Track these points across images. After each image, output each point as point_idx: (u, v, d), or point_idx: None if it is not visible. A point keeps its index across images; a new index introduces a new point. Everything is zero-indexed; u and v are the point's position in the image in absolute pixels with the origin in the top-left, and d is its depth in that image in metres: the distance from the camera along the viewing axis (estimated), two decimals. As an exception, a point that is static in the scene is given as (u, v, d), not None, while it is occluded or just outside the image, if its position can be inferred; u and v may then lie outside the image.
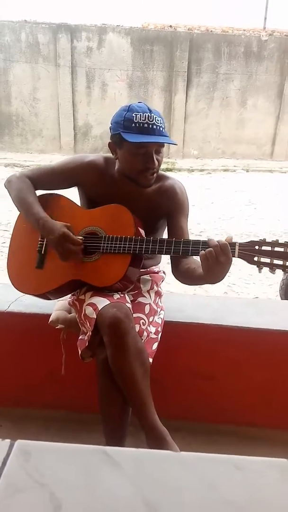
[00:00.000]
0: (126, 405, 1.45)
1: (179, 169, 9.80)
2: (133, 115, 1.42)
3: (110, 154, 1.59)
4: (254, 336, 1.72)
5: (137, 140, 1.41)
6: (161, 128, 1.44)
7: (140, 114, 1.42)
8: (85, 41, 10.49)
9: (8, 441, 0.64)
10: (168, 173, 1.67)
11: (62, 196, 1.65)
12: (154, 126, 1.42)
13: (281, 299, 3.30)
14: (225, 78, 10.94)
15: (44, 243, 1.59)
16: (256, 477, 0.65)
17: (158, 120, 1.43)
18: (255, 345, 1.74)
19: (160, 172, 1.57)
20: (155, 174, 1.51)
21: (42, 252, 1.58)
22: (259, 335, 1.72)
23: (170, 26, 10.99)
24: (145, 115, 1.42)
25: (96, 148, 11.03)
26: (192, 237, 1.60)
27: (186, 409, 1.78)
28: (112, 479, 0.61)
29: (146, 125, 1.41)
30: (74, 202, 1.64)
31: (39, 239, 1.60)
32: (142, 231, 1.54)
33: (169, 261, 1.59)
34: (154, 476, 0.62)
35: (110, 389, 1.43)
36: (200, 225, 5.49)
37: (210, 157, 11.29)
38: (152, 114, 1.42)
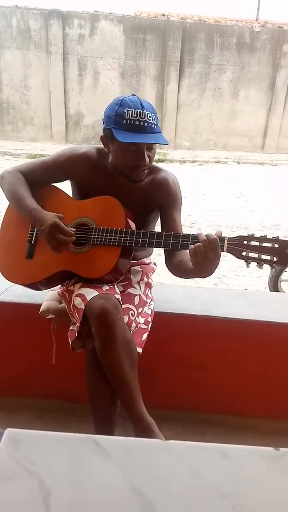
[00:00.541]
0: (115, 395, 1.45)
1: (171, 160, 9.78)
2: (124, 110, 1.39)
3: (102, 146, 1.58)
4: (243, 327, 1.74)
5: (127, 140, 1.39)
6: (153, 125, 1.41)
7: (132, 111, 1.38)
8: (77, 28, 10.35)
9: (-3, 430, 0.65)
10: (160, 165, 1.65)
11: (54, 187, 1.65)
12: (146, 124, 1.39)
13: (270, 291, 3.34)
14: (218, 69, 10.88)
15: (35, 233, 1.59)
16: (243, 465, 0.66)
17: (150, 117, 1.40)
18: (244, 336, 1.76)
19: (153, 164, 1.56)
20: (146, 170, 1.50)
21: (32, 242, 1.58)
22: (248, 326, 1.74)
23: (163, 15, 10.88)
24: (137, 111, 1.38)
25: (88, 137, 10.95)
26: (183, 228, 1.61)
27: (176, 399, 1.80)
28: (101, 467, 0.62)
29: (137, 123, 1.38)
30: (66, 193, 1.63)
31: (30, 229, 1.60)
32: (132, 224, 1.53)
33: (161, 252, 1.60)
34: (142, 464, 0.63)
35: (99, 379, 1.44)
36: (191, 216, 5.50)
37: (202, 148, 11.27)
38: (144, 111, 1.39)
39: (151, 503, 0.59)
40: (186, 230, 1.60)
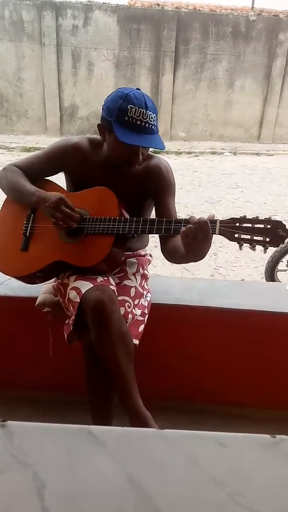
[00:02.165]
0: (112, 387, 1.46)
1: (167, 151, 9.73)
2: (128, 107, 1.35)
3: (95, 136, 1.57)
4: (239, 317, 1.74)
5: (126, 140, 1.37)
6: (153, 127, 1.39)
7: (136, 109, 1.35)
8: (71, 19, 10.25)
9: (-9, 422, 0.64)
10: (155, 155, 1.64)
11: (48, 180, 1.65)
12: (147, 125, 1.37)
13: (266, 281, 3.34)
14: (213, 58, 10.82)
15: (29, 225, 1.58)
16: (239, 452, 0.66)
17: (152, 118, 1.38)
18: (241, 326, 1.76)
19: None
20: (138, 166, 1.50)
21: (27, 234, 1.58)
22: (245, 316, 1.74)
23: (158, 4, 10.79)
24: (141, 111, 1.36)
25: (82, 129, 10.89)
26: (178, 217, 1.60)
27: (172, 389, 1.80)
28: (96, 457, 0.62)
29: (139, 123, 1.36)
30: (60, 186, 1.63)
31: (24, 222, 1.59)
32: (125, 213, 1.53)
33: (157, 244, 1.59)
34: (138, 454, 0.63)
35: (96, 371, 1.44)
36: (187, 208, 5.49)
37: (198, 139, 11.23)
38: (147, 112, 1.36)
39: (147, 492, 0.58)
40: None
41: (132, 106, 1.36)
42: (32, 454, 0.60)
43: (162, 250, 1.58)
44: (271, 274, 3.30)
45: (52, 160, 1.60)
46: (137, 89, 1.43)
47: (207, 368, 1.81)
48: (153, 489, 0.59)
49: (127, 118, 1.36)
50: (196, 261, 1.37)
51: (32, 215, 1.60)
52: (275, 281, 3.28)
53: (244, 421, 1.69)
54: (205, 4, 11.08)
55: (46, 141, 9.87)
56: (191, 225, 1.28)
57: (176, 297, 1.79)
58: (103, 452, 0.63)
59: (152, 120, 1.39)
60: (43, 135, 10.78)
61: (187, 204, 5.62)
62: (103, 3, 10.33)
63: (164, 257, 1.58)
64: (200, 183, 7.03)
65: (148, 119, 1.37)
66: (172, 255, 1.51)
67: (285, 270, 3.27)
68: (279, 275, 3.33)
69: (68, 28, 10.30)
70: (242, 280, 3.67)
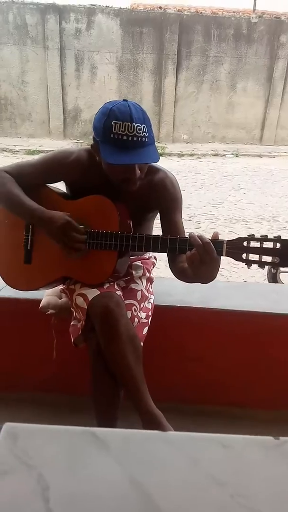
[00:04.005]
0: (118, 389, 1.46)
1: (169, 153, 9.76)
2: (112, 123, 1.27)
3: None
4: (242, 318, 1.74)
5: (112, 161, 1.29)
6: (143, 138, 1.28)
7: (120, 124, 1.26)
8: (74, 22, 10.29)
9: (-4, 424, 0.65)
10: (158, 162, 1.55)
11: (45, 186, 1.58)
12: (135, 138, 1.27)
13: (269, 282, 3.34)
14: (215, 61, 10.84)
15: (30, 237, 1.54)
16: (241, 454, 0.66)
17: (139, 130, 1.27)
18: (243, 327, 1.76)
19: (150, 164, 1.46)
20: (139, 181, 1.40)
21: (28, 247, 1.55)
22: (247, 317, 1.74)
23: (160, 7, 10.82)
24: (126, 125, 1.26)
25: (85, 132, 10.92)
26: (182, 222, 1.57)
27: (175, 391, 1.80)
28: (99, 459, 0.62)
29: (125, 138, 1.26)
30: (56, 192, 1.57)
31: (24, 234, 1.55)
32: (129, 222, 1.48)
33: None
34: (141, 456, 0.64)
35: (102, 373, 1.44)
36: (190, 209, 5.49)
37: (200, 141, 11.24)
38: (133, 124, 1.26)
39: (149, 494, 0.59)
40: (184, 223, 1.57)
41: (116, 122, 1.27)
42: (36, 456, 0.61)
43: (170, 267, 1.52)
44: (273, 276, 3.30)
45: (48, 173, 1.53)
46: (124, 100, 1.34)
47: (210, 370, 1.81)
48: (156, 491, 0.60)
49: (112, 135, 1.27)
50: (205, 283, 1.33)
51: (31, 226, 1.54)
52: (277, 282, 3.27)
53: (246, 422, 1.69)
54: (207, 7, 11.10)
55: (49, 144, 9.92)
56: (194, 250, 1.23)
57: (178, 299, 1.79)
58: (106, 453, 0.63)
59: (141, 132, 1.28)
60: (46, 138, 10.83)
61: (190, 206, 5.62)
62: (106, 6, 10.37)
63: (173, 275, 1.52)
64: (202, 185, 7.04)
65: (135, 131, 1.26)
66: (181, 275, 1.46)
67: (288, 272, 3.27)
68: (282, 276, 3.33)
69: (71, 31, 10.35)
70: (245, 281, 3.67)
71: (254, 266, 1.26)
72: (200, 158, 9.65)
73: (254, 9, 10.99)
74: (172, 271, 1.51)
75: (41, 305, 1.69)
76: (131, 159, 1.30)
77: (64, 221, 1.40)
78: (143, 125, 1.29)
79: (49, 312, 1.68)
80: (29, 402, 1.81)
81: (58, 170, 1.51)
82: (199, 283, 1.37)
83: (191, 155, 9.87)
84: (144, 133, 1.29)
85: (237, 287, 2.14)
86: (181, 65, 10.81)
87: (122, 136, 1.27)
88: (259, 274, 3.83)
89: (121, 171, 1.35)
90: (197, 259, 1.23)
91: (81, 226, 1.43)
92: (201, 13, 10.79)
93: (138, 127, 1.27)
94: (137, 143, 1.28)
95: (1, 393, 1.81)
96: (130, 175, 1.36)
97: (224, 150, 10.31)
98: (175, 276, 1.50)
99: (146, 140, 1.30)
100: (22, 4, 10.16)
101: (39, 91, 10.71)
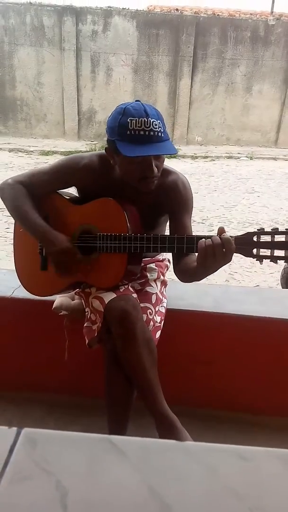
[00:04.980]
0: (131, 391, 1.47)
1: (183, 155, 9.73)
2: (128, 120, 1.29)
3: (103, 152, 1.49)
4: (254, 324, 1.73)
5: (131, 154, 1.30)
6: (159, 133, 1.31)
7: (136, 120, 1.29)
8: (91, 24, 10.33)
9: (14, 429, 0.65)
10: (172, 161, 1.58)
11: (55, 194, 1.59)
12: (151, 133, 1.29)
13: (282, 287, 3.31)
14: (231, 63, 10.79)
15: None
16: (260, 466, 0.66)
17: (155, 125, 1.30)
18: (256, 332, 1.74)
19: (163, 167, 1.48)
20: (156, 180, 1.41)
21: (44, 254, 1.56)
22: (260, 323, 1.73)
23: (176, 9, 10.81)
24: (141, 120, 1.28)
25: (100, 134, 10.95)
26: (194, 224, 1.57)
27: (186, 395, 1.79)
28: (117, 467, 0.62)
29: (142, 132, 1.29)
30: (65, 198, 1.59)
31: (39, 243, 1.57)
32: (138, 223, 1.49)
33: None
34: (159, 465, 0.63)
35: (117, 375, 1.46)
36: (203, 212, 5.47)
37: (214, 144, 11.20)
38: (149, 119, 1.29)
39: (167, 503, 0.58)
40: (197, 226, 1.56)
41: (132, 118, 1.29)
42: (54, 462, 0.61)
43: (174, 270, 1.53)
44: (287, 281, 3.26)
45: (61, 180, 1.55)
46: (137, 101, 1.37)
47: (222, 374, 1.80)
48: (173, 500, 0.59)
49: (129, 132, 1.30)
50: (204, 277, 1.35)
51: None
52: (291, 288, 3.24)
53: (259, 429, 1.68)
54: (224, 9, 11.06)
55: (64, 145, 9.97)
56: (212, 244, 1.22)
57: (190, 303, 1.79)
58: (124, 462, 0.63)
59: (157, 126, 1.31)
60: (61, 139, 10.88)
61: (203, 208, 5.60)
62: (123, 8, 10.40)
63: (175, 275, 1.54)
64: (216, 188, 7.01)
65: (151, 126, 1.29)
66: (183, 273, 1.47)
67: (303, 278, 3.23)
68: (296, 282, 3.29)
69: (88, 33, 10.39)
70: (257, 286, 3.64)
71: (265, 263, 1.24)
72: (214, 160, 9.61)
73: (272, 11, 10.92)
74: (175, 273, 1.52)
75: (54, 306, 1.70)
76: (152, 151, 1.32)
77: (63, 248, 1.45)
78: (158, 120, 1.32)
79: (61, 313, 1.69)
80: (40, 402, 1.82)
81: (70, 176, 1.53)
82: (199, 277, 1.39)
83: (205, 157, 9.83)
84: (160, 128, 1.32)
85: (250, 292, 2.13)
86: (196, 67, 10.78)
87: (139, 131, 1.30)
88: (271, 279, 3.80)
89: (139, 170, 1.36)
90: (211, 253, 1.22)
91: (86, 226, 1.48)
92: (218, 15, 10.75)
93: (154, 122, 1.30)
94: (154, 138, 1.31)
95: (13, 393, 1.83)
96: (147, 173, 1.36)
97: (239, 153, 10.25)
98: (178, 277, 1.52)
99: (162, 135, 1.32)
100: (39, 6, 10.23)
101: (54, 92, 10.78)
